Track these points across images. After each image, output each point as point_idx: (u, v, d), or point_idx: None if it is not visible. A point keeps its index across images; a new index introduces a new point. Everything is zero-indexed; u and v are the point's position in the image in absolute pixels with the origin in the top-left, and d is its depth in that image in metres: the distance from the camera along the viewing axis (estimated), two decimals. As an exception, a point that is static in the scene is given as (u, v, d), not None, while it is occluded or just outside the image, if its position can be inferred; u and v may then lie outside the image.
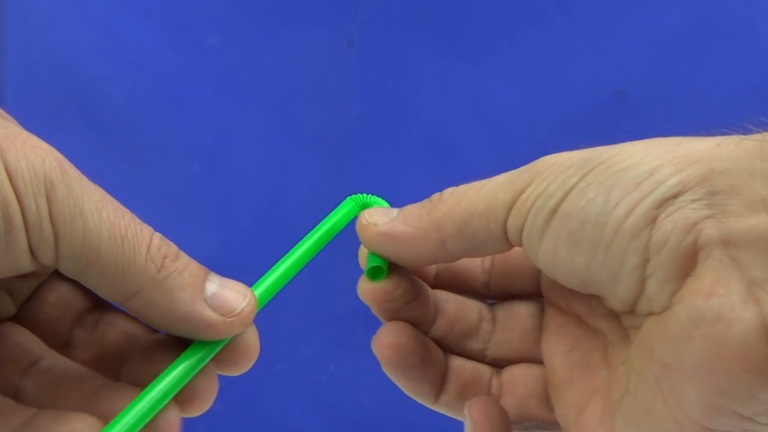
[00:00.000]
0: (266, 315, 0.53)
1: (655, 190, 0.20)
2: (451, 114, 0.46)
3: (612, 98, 0.45)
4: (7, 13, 0.49)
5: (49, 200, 0.20)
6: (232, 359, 0.24)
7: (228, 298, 0.23)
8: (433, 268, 0.29)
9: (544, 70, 0.45)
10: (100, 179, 0.45)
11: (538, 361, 0.27)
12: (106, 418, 0.21)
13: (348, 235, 0.49)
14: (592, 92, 0.45)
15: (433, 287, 0.28)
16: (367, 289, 0.27)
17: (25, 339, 0.24)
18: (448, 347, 0.28)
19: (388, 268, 0.27)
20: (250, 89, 0.48)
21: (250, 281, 0.50)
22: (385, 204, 0.29)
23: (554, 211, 0.22)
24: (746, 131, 0.21)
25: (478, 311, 0.28)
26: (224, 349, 0.24)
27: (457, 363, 0.27)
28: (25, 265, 0.20)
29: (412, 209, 0.26)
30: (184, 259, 0.23)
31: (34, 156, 0.20)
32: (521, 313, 0.28)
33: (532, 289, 0.28)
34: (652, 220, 0.20)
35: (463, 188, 0.24)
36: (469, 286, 0.28)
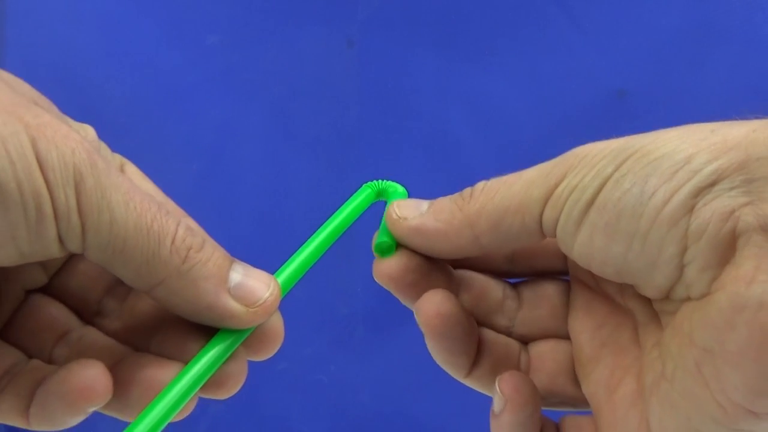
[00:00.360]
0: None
1: (691, 179, 0.20)
2: (452, 114, 0.46)
3: (612, 98, 0.45)
4: (7, 13, 0.49)
5: (77, 192, 0.20)
6: (257, 345, 0.24)
7: (252, 287, 0.23)
8: None
9: (544, 70, 0.45)
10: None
11: (565, 338, 0.27)
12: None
13: (347, 236, 0.49)
14: (592, 92, 0.45)
15: (455, 268, 0.28)
16: (381, 267, 0.27)
17: (57, 310, 0.24)
18: (477, 321, 0.27)
19: (398, 245, 0.26)
20: (250, 89, 0.48)
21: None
22: (402, 190, 0.29)
23: (590, 203, 0.22)
24: None
25: (502, 289, 0.28)
26: (250, 335, 0.24)
27: (490, 336, 0.27)
28: (54, 251, 0.21)
29: (443, 204, 0.25)
30: (209, 249, 0.23)
31: (65, 147, 0.20)
32: (547, 290, 0.28)
33: (557, 267, 0.28)
34: (689, 209, 0.20)
35: (495, 183, 0.24)
36: (493, 265, 0.28)
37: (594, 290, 0.26)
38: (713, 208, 0.20)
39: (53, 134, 0.20)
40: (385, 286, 0.27)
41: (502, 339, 0.27)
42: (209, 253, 0.23)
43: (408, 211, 0.26)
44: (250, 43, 0.47)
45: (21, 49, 0.49)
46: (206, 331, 0.23)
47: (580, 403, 0.26)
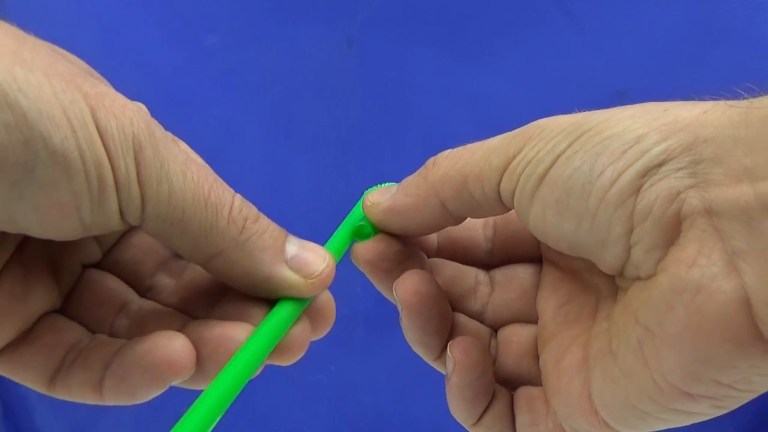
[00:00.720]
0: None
1: (639, 159, 0.20)
2: (452, 114, 0.46)
3: (612, 98, 0.45)
4: (7, 14, 0.49)
5: (137, 162, 0.20)
6: (313, 322, 0.25)
7: (308, 259, 0.24)
8: (434, 241, 0.29)
9: (544, 71, 0.45)
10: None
11: (534, 322, 0.27)
12: None
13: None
14: (592, 92, 0.45)
15: (436, 257, 0.28)
16: (358, 249, 0.27)
17: (114, 283, 0.24)
18: (450, 306, 0.28)
19: (378, 230, 0.27)
20: (250, 89, 0.48)
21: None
22: None
23: (542, 178, 0.22)
24: (735, 97, 0.22)
25: (475, 275, 0.28)
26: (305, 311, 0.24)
27: (461, 320, 0.28)
28: (114, 223, 0.21)
29: (409, 179, 0.26)
30: (264, 221, 0.23)
31: (123, 116, 0.20)
32: (519, 273, 0.28)
33: (534, 254, 0.28)
34: (636, 190, 0.20)
35: (459, 150, 0.25)
36: (473, 255, 0.28)
37: (562, 268, 0.27)
38: (659, 189, 0.20)
39: (111, 104, 0.20)
40: (362, 269, 0.27)
41: (474, 324, 0.28)
42: (265, 225, 0.23)
43: (380, 196, 0.26)
44: (250, 43, 0.47)
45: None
46: (264, 304, 0.23)
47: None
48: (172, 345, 0.21)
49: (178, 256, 0.26)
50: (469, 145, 0.25)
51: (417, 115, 0.46)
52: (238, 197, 0.23)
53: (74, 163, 0.19)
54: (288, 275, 0.23)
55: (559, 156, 0.22)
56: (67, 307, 0.24)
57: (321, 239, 0.47)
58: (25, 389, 0.55)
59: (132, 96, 0.49)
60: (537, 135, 0.23)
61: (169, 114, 0.48)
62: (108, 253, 0.25)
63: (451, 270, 0.28)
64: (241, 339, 0.22)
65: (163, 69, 0.48)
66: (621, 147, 0.21)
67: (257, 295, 0.23)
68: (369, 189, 0.29)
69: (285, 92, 0.48)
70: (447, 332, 0.27)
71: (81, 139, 0.19)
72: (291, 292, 0.23)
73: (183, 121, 0.51)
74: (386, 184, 0.28)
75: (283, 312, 0.23)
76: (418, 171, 0.26)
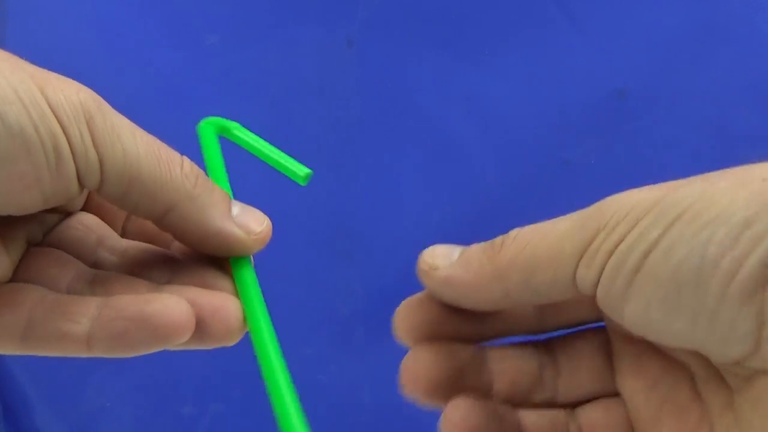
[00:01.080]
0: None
1: (757, 247, 0.18)
2: (452, 114, 0.46)
3: (612, 98, 0.45)
4: (8, 13, 0.49)
5: (90, 128, 0.22)
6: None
7: (250, 219, 0.25)
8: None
9: (544, 70, 0.45)
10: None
11: (613, 395, 0.25)
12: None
13: (347, 236, 0.49)
14: (592, 92, 0.45)
15: (482, 335, 0.26)
16: (407, 375, 0.26)
17: (62, 254, 0.26)
18: (516, 404, 0.25)
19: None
20: (250, 89, 0.48)
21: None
22: (240, 128, 0.31)
23: (636, 270, 0.20)
24: None
25: (537, 360, 0.26)
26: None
27: (531, 419, 0.25)
28: (73, 191, 0.22)
29: (473, 253, 0.24)
30: (211, 181, 0.25)
31: (69, 90, 0.22)
32: (584, 350, 0.26)
33: (590, 318, 0.26)
34: (764, 281, 0.18)
35: (528, 233, 0.23)
36: (522, 324, 0.26)
37: (639, 343, 0.24)
38: None
39: (56, 82, 0.22)
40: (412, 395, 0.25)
41: (546, 417, 0.25)
42: (212, 184, 0.25)
43: (439, 260, 0.25)
44: (249, 43, 0.47)
45: (21, 49, 0.49)
46: (215, 269, 0.25)
47: None
48: (181, 309, 0.22)
49: (116, 239, 0.27)
50: (539, 226, 0.23)
51: (417, 115, 0.46)
52: (186, 158, 0.25)
53: (31, 138, 0.20)
54: (236, 230, 0.25)
55: (653, 245, 0.20)
56: (18, 277, 0.24)
57: (320, 239, 0.47)
58: (26, 390, 0.55)
59: (132, 96, 0.49)
60: (612, 216, 0.21)
61: (169, 114, 0.49)
62: (48, 234, 0.26)
63: (511, 365, 0.25)
64: (233, 305, 0.24)
65: (163, 69, 0.48)
66: (730, 233, 0.19)
67: (205, 251, 0.25)
68: (204, 121, 0.30)
69: (285, 92, 0.48)
70: None
71: (34, 114, 0.20)
72: (237, 248, 0.25)
73: (183, 121, 0.51)
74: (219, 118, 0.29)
75: (248, 277, 0.25)
76: (484, 246, 0.24)
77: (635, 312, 0.20)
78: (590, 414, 0.25)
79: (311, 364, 0.48)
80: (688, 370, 0.23)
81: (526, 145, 0.45)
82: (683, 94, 0.45)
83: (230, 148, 0.36)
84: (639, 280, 0.20)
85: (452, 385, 0.25)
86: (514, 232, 0.23)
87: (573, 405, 0.25)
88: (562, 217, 0.23)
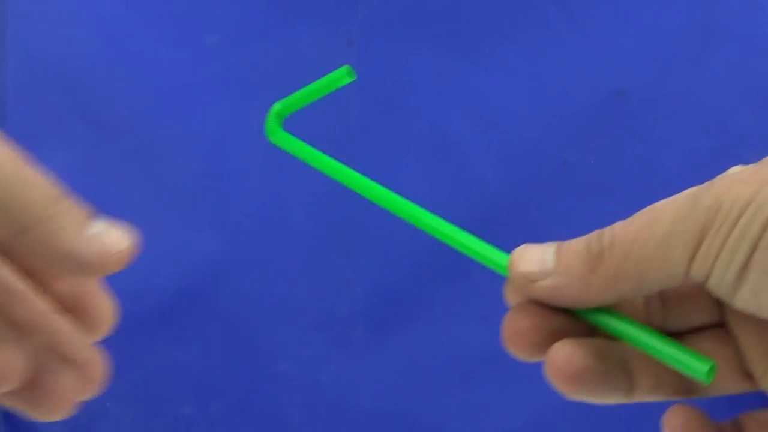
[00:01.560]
0: (266, 314, 0.53)
1: None
2: (452, 114, 0.46)
3: (612, 98, 0.45)
4: (8, 13, 0.49)
5: None
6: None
7: (107, 240, 0.25)
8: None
9: (544, 70, 0.45)
10: (100, 179, 0.46)
11: (720, 324, 0.27)
12: None
13: (347, 236, 0.49)
14: (592, 92, 0.45)
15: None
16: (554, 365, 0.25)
17: None
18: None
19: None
20: (250, 89, 0.48)
21: (250, 281, 0.50)
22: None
23: (744, 267, 0.22)
24: None
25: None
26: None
27: (637, 353, 0.26)
28: None
29: (573, 262, 0.25)
30: (68, 201, 0.24)
31: None
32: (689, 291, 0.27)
33: (712, 316, 0.27)
34: None
35: (625, 241, 0.24)
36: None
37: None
38: None
39: None
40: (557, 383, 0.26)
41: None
42: (69, 204, 0.24)
43: (532, 265, 0.25)
44: (249, 43, 0.47)
45: (21, 48, 0.49)
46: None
47: None
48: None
49: None
50: (633, 232, 0.24)
51: (417, 115, 0.46)
52: (44, 177, 0.24)
53: None
54: (89, 252, 0.24)
55: (756, 243, 0.22)
56: None
57: (320, 239, 0.47)
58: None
59: (132, 96, 0.49)
60: (713, 218, 0.23)
61: (169, 114, 0.49)
62: None
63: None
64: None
65: (163, 69, 0.48)
66: None
67: (63, 272, 0.25)
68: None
69: (285, 92, 0.48)
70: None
71: None
72: (91, 269, 0.24)
73: (183, 120, 0.51)
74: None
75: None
76: (580, 251, 0.25)
77: (745, 298, 0.22)
78: (698, 343, 0.26)
79: (311, 364, 0.48)
80: None
81: (526, 145, 0.45)
82: (683, 94, 0.45)
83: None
84: (747, 273, 0.22)
85: (555, 334, 0.25)
86: (608, 238, 0.24)
87: (681, 334, 0.27)
88: (654, 215, 0.24)
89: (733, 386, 0.26)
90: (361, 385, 0.48)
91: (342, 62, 0.47)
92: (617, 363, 0.25)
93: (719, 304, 0.27)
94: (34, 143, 0.51)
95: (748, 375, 0.26)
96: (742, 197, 0.22)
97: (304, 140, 0.35)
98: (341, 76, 0.29)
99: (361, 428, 0.48)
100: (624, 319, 0.25)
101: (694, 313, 0.27)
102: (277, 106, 0.30)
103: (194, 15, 0.48)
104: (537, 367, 0.40)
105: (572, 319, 0.26)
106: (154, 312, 0.48)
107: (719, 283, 0.23)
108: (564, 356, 0.24)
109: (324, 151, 0.36)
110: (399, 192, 0.47)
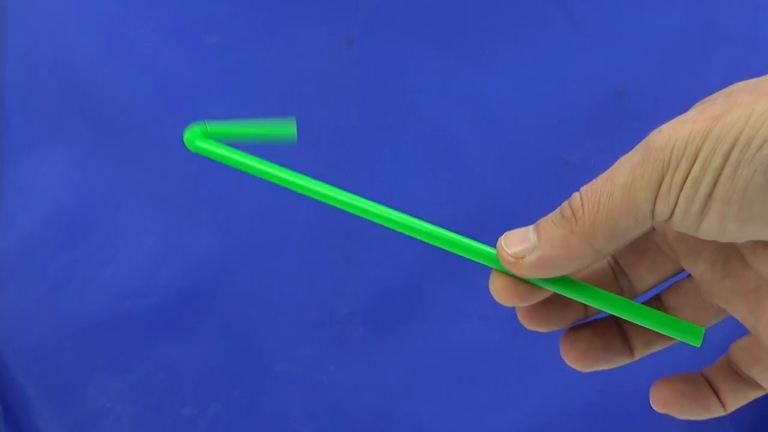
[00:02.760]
0: (266, 314, 0.53)
1: None
2: (452, 114, 0.46)
3: (612, 98, 0.45)
4: (8, 13, 0.49)
5: None
6: None
7: None
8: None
9: (544, 70, 0.45)
10: (100, 179, 0.46)
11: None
12: None
13: (347, 236, 0.49)
14: (592, 92, 0.45)
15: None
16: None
17: None
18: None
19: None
20: (250, 89, 0.48)
21: (250, 281, 0.50)
22: (214, 125, 0.30)
23: (708, 196, 0.23)
24: None
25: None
26: None
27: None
28: None
29: (552, 231, 0.27)
30: None
31: None
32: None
33: (668, 267, 0.30)
34: None
35: (592, 197, 0.26)
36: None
37: (691, 240, 0.28)
38: None
39: None
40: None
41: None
42: None
43: (518, 247, 0.27)
44: (250, 43, 0.47)
45: (21, 48, 0.49)
46: None
47: None
48: None
49: None
50: (597, 187, 0.26)
51: (417, 115, 0.46)
52: None
53: None
54: None
55: (719, 173, 0.23)
56: None
57: (320, 239, 0.47)
58: (26, 390, 0.55)
59: (132, 96, 0.49)
60: (673, 155, 0.24)
61: (169, 114, 0.49)
62: None
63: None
64: None
65: (163, 69, 0.48)
66: None
67: None
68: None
69: (285, 92, 0.48)
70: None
71: None
72: None
73: (183, 121, 0.51)
74: None
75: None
76: (555, 221, 0.27)
77: (711, 226, 0.24)
78: (670, 300, 0.30)
79: (311, 364, 0.48)
80: (737, 250, 0.27)
81: (526, 145, 0.45)
82: (683, 94, 0.45)
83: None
84: (712, 203, 0.23)
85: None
86: (576, 200, 0.27)
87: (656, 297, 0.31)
88: (612, 169, 0.26)
89: (707, 321, 0.30)
90: (361, 384, 0.48)
91: (342, 62, 0.47)
92: (614, 334, 0.30)
93: (671, 259, 0.30)
94: (34, 143, 0.51)
95: (718, 310, 0.29)
96: (696, 133, 0.24)
97: (303, 140, 0.35)
98: (283, 129, 0.29)
99: (361, 428, 0.48)
100: (622, 301, 0.28)
101: (654, 271, 0.30)
102: (205, 126, 0.30)
103: (194, 15, 0.48)
104: (537, 367, 0.40)
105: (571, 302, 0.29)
106: (154, 312, 0.48)
107: (684, 217, 0.24)
108: (571, 343, 0.29)
109: (324, 151, 0.36)
110: (399, 190, 0.47)
